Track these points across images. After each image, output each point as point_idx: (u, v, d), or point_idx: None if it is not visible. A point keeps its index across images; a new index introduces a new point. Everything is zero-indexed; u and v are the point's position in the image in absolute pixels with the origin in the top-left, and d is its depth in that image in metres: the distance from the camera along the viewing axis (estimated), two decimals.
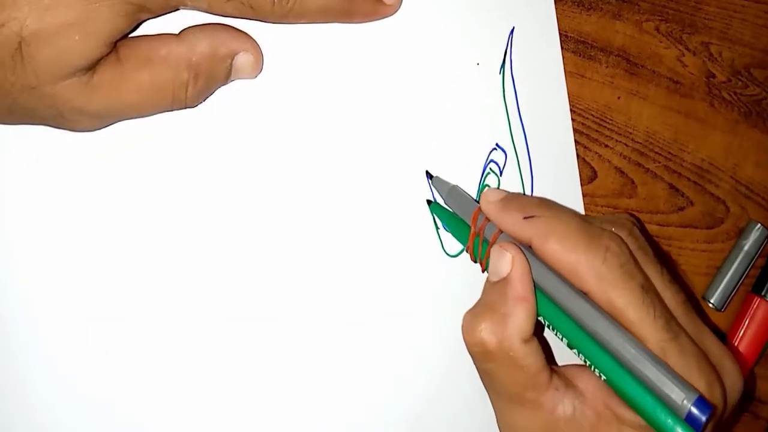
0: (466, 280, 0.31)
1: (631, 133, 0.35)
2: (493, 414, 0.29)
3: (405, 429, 0.32)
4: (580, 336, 0.25)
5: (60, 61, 0.22)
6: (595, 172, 0.35)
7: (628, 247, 0.26)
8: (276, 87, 0.29)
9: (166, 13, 0.25)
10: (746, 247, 0.37)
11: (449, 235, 0.31)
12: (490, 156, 0.32)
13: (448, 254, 0.32)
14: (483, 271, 0.29)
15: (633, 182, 0.36)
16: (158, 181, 0.28)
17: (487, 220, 0.29)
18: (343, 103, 0.30)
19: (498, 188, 0.31)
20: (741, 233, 0.38)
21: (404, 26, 0.30)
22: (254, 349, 0.29)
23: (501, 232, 0.28)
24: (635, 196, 0.36)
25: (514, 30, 0.32)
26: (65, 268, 0.27)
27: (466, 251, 0.30)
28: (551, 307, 0.26)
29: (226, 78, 0.26)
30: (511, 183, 0.33)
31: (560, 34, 0.33)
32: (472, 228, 0.29)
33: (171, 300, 0.28)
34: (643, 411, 0.24)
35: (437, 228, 0.31)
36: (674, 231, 0.37)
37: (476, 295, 0.28)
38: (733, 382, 0.26)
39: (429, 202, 0.31)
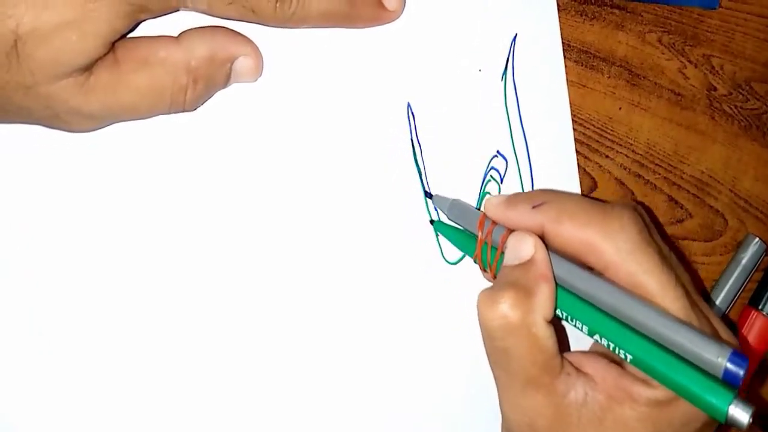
0: (466, 287, 0.31)
1: (631, 144, 0.35)
2: (488, 416, 0.29)
3: None
4: (600, 319, 0.25)
5: (56, 60, 0.21)
6: (595, 183, 0.34)
7: (641, 216, 0.26)
8: (276, 90, 0.28)
9: (165, 14, 0.24)
10: (744, 261, 0.37)
11: (449, 243, 0.31)
12: (491, 163, 0.32)
13: (447, 261, 0.31)
14: (493, 277, 0.28)
15: (633, 193, 0.35)
16: (155, 182, 0.27)
17: (493, 224, 0.28)
18: (343, 108, 0.29)
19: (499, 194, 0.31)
20: (739, 246, 0.38)
21: (406, 31, 0.30)
22: (251, 355, 0.29)
23: (510, 232, 0.27)
24: None
25: (517, 37, 0.32)
26: (62, 269, 0.27)
27: (475, 261, 0.29)
28: (568, 296, 0.26)
29: (226, 82, 0.26)
30: (511, 191, 0.32)
31: (563, 43, 0.33)
32: (480, 234, 0.28)
33: (169, 302, 0.28)
34: (673, 381, 0.23)
35: (437, 236, 0.31)
36: (673, 243, 0.36)
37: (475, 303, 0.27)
38: None
39: (432, 221, 0.31)
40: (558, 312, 0.26)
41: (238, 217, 0.28)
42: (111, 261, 0.27)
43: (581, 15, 0.34)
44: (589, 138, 0.34)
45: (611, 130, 0.35)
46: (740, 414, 0.22)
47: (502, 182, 0.32)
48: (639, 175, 0.35)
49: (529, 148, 0.33)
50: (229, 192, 0.28)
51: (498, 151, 0.32)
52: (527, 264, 0.25)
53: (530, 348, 0.25)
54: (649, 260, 0.25)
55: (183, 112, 0.25)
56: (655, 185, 0.36)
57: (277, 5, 0.24)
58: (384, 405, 0.31)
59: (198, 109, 0.26)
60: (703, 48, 0.36)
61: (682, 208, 0.36)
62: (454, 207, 0.30)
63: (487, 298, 0.25)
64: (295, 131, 0.29)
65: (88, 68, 0.22)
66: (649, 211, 0.35)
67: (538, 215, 0.26)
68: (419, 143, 0.31)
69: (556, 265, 0.26)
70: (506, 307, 0.24)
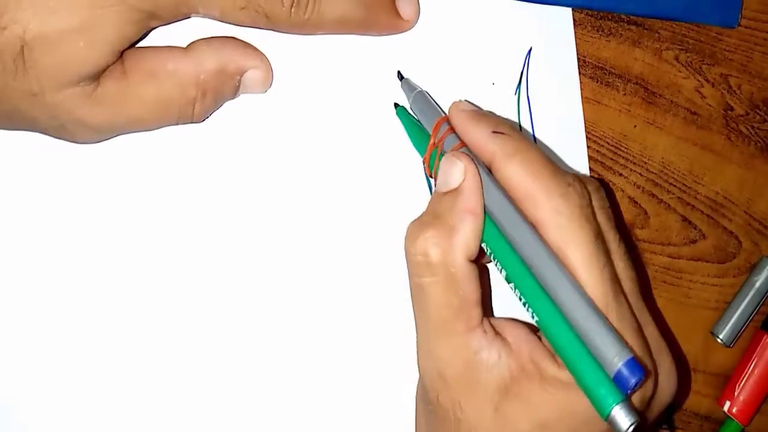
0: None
1: (646, 163, 0.34)
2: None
3: None
4: (520, 270, 0.23)
5: (63, 67, 0.21)
6: None
7: (590, 196, 0.24)
8: (285, 101, 0.28)
9: (176, 21, 0.24)
10: (758, 284, 0.36)
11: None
12: None
13: None
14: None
15: (646, 213, 0.35)
16: (158, 186, 0.27)
17: (449, 131, 0.26)
18: (354, 120, 0.29)
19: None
20: (753, 269, 0.37)
21: (420, 42, 0.30)
22: (252, 356, 0.29)
23: (462, 146, 0.26)
24: (647, 226, 0.35)
25: (532, 51, 0.32)
26: (63, 271, 0.26)
27: (423, 163, 0.27)
28: (496, 233, 0.24)
29: (234, 94, 0.25)
30: None
31: (578, 58, 0.32)
32: (432, 137, 0.26)
33: (173, 305, 0.27)
34: (569, 361, 0.22)
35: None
36: (685, 264, 0.36)
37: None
38: (666, 380, 0.24)
39: (396, 105, 0.28)
40: (483, 246, 0.24)
41: (244, 221, 0.28)
42: (112, 263, 0.27)
43: (597, 30, 0.33)
44: (603, 155, 0.34)
45: (626, 148, 0.34)
46: (622, 419, 0.21)
47: None
48: (653, 195, 0.35)
49: None
50: (235, 197, 0.28)
51: None
52: (454, 193, 0.24)
53: (446, 290, 0.23)
54: (582, 235, 0.23)
55: (191, 123, 0.25)
56: (668, 205, 0.35)
57: (292, 10, 0.24)
58: (385, 406, 0.30)
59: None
60: (720, 67, 0.35)
61: (695, 228, 0.36)
62: (418, 100, 0.28)
63: (411, 231, 0.24)
64: (303, 141, 0.28)
65: (96, 77, 0.22)
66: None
67: (495, 142, 0.24)
68: None
69: (492, 200, 0.24)
70: (428, 244, 0.23)
